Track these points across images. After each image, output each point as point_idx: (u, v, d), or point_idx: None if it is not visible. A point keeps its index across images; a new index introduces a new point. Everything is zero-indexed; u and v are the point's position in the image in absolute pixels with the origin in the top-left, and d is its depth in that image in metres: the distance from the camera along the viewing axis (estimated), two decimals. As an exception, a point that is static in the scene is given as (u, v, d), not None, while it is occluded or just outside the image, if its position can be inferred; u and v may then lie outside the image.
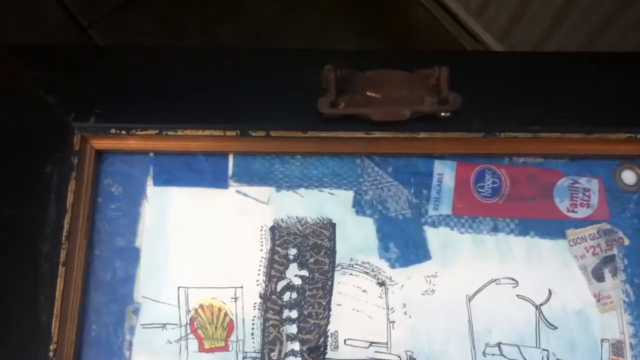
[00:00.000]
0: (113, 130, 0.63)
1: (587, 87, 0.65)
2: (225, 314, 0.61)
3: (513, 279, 0.62)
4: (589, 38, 1.24)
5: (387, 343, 0.60)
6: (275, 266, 0.62)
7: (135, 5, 1.49)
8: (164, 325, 0.61)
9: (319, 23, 1.50)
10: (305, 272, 0.62)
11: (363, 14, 1.53)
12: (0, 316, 0.58)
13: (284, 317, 0.61)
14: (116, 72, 0.66)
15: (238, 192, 0.64)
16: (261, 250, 0.63)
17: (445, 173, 0.65)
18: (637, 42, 1.17)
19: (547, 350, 0.60)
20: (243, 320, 0.61)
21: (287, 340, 0.61)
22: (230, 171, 0.65)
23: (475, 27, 1.50)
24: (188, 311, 0.61)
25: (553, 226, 0.63)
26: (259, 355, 0.60)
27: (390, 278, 0.62)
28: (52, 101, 0.63)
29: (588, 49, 1.21)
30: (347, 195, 0.64)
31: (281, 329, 0.61)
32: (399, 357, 0.60)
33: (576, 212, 0.64)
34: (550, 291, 0.62)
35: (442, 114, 0.62)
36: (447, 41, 1.52)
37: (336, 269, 0.62)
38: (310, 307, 0.61)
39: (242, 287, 0.62)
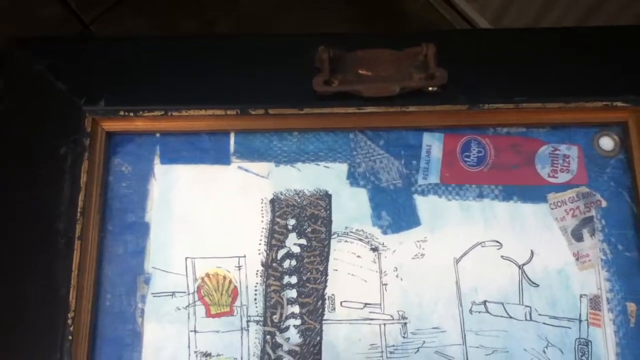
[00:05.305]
0: (122, 113, 0.65)
1: (566, 60, 0.67)
2: (230, 282, 0.64)
3: (497, 242, 0.64)
4: (580, 20, 1.26)
5: (380, 304, 0.63)
6: (275, 236, 0.65)
7: (129, 5, 1.51)
8: (173, 294, 0.64)
9: (312, 11, 1.52)
10: (303, 241, 0.65)
11: (357, 2, 1.55)
12: (22, 289, 0.61)
13: (284, 282, 0.64)
14: (123, 59, 0.68)
15: (240, 168, 0.67)
16: (262, 221, 0.65)
17: (433, 144, 0.67)
18: (626, 21, 1.20)
19: (530, 307, 0.63)
20: (246, 287, 0.64)
21: (287, 304, 0.63)
22: (232, 148, 0.67)
23: (470, 12, 1.52)
24: (195, 280, 0.64)
25: (535, 191, 0.66)
26: (261, 319, 0.63)
27: (383, 244, 0.65)
28: (64, 87, 0.66)
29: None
30: (342, 168, 0.67)
31: (282, 294, 0.64)
32: (391, 316, 0.63)
33: (557, 177, 0.66)
34: (532, 252, 0.64)
35: (430, 88, 0.64)
36: (443, 27, 1.54)
37: (332, 236, 0.65)
38: (309, 273, 0.64)
39: (245, 257, 0.64)
